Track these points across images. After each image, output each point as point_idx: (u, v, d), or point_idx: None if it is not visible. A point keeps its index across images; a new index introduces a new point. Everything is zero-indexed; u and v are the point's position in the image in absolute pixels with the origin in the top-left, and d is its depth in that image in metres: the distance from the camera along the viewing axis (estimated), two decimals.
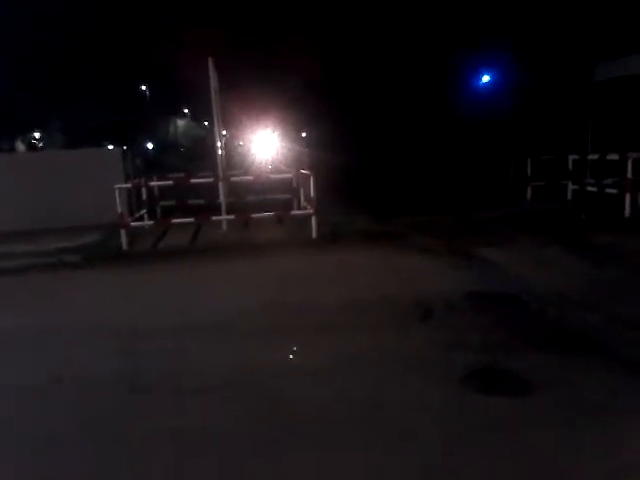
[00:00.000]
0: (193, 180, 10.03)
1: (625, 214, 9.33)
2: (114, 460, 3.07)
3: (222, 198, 9.60)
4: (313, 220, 8.91)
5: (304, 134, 25.20)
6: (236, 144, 34.12)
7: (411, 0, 15.68)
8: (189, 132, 51.94)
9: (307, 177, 9.42)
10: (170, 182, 10.54)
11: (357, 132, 16.24)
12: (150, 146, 43.49)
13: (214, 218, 9.44)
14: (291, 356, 4.34)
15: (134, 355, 4.50)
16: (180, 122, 54.09)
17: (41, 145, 39.76)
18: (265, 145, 24.73)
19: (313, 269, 7.03)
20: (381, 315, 5.09)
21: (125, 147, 13.94)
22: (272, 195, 11.57)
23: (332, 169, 13.45)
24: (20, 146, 37.09)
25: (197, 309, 5.57)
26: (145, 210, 10.62)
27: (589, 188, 10.75)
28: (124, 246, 8.61)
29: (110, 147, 19.59)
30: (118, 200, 8.70)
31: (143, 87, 44.52)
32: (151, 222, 9.94)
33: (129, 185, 10.34)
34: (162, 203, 11.37)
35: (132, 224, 9.22)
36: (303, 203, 10.60)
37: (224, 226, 9.60)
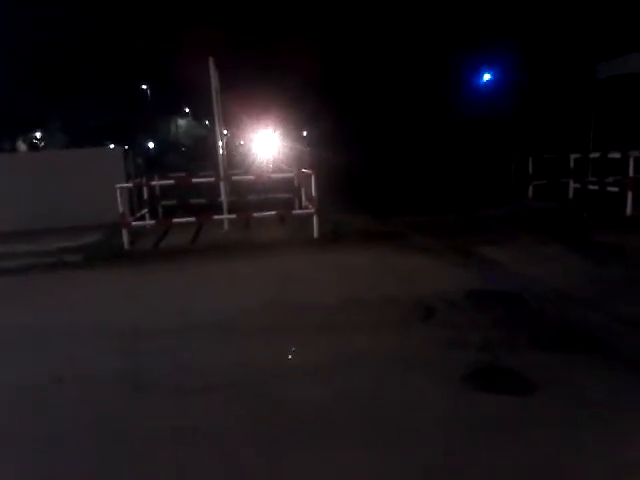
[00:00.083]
0: (194, 179, 10.04)
1: (627, 212, 9.31)
2: (116, 460, 3.07)
3: (223, 197, 9.61)
4: (314, 219, 8.91)
5: (305, 133, 25.20)
6: (237, 143, 34.12)
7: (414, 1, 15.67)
8: (190, 131, 51.96)
9: (308, 176, 9.42)
10: (171, 181, 10.54)
11: (358, 131, 16.23)
12: (151, 145, 43.54)
13: (215, 217, 9.45)
14: (292, 356, 4.34)
15: (136, 355, 4.50)
16: (181, 121, 54.12)
17: (42, 145, 39.80)
18: (266, 144, 24.73)
19: (314, 268, 7.03)
20: (382, 314, 5.09)
21: (126, 147, 13.94)
22: (273, 194, 11.57)
23: (333, 168, 13.45)
24: (21, 146, 37.14)
25: (199, 308, 5.57)
26: (146, 209, 10.63)
27: (591, 187, 10.73)
28: (126, 246, 8.62)
29: (111, 147, 19.61)
30: (119, 200, 8.70)
31: (144, 87, 44.55)
32: (152, 221, 9.95)
33: (130, 184, 10.34)
34: (163, 202, 11.38)
35: (133, 223, 9.23)
36: (304, 202, 10.60)
37: (226, 225, 9.60)
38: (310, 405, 3.51)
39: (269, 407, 3.51)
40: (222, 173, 9.77)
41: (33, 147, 37.55)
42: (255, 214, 9.47)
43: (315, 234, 8.90)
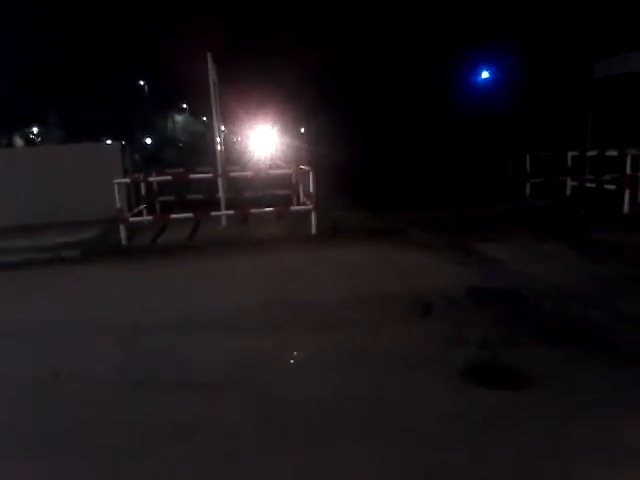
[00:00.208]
0: (192, 175, 10.01)
1: (624, 210, 9.34)
2: (116, 456, 3.06)
3: (221, 193, 9.58)
4: (313, 216, 8.90)
5: (303, 129, 25.16)
6: (235, 140, 34.05)
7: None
8: (187, 127, 51.82)
9: (306, 173, 9.40)
10: (169, 177, 10.51)
11: (356, 128, 16.21)
12: (148, 141, 43.41)
13: (213, 213, 9.42)
14: (292, 352, 4.33)
15: (135, 351, 4.50)
16: (178, 117, 53.95)
17: (39, 140, 39.64)
18: (264, 141, 24.69)
19: (313, 265, 7.03)
20: (381, 311, 5.08)
21: (124, 142, 13.89)
22: (271, 191, 11.55)
23: (331, 165, 13.44)
24: (18, 141, 37.00)
25: (197, 305, 5.56)
26: (144, 205, 10.59)
27: (588, 184, 10.75)
28: (123, 241, 8.59)
29: (108, 142, 19.55)
30: (117, 195, 8.68)
31: (141, 82, 44.38)
32: (150, 217, 9.92)
33: (128, 180, 10.31)
34: (161, 198, 11.35)
35: (131, 219, 9.20)
36: (302, 199, 10.58)
37: (223, 221, 9.58)
38: (310, 402, 3.50)
39: (269, 405, 3.50)
40: (220, 169, 9.75)
41: (30, 142, 37.41)
42: (253, 210, 9.45)
43: (313, 230, 8.89)
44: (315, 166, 9.42)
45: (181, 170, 11.60)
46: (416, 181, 12.53)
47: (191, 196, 11.27)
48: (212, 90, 9.61)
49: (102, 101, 36.53)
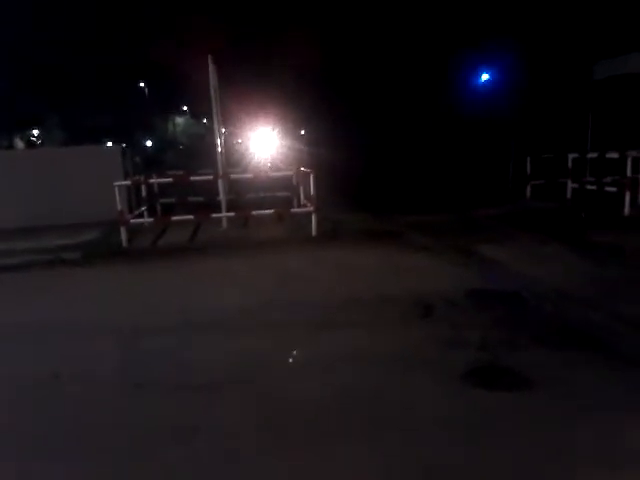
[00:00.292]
0: (192, 178, 10.02)
1: (625, 212, 9.33)
2: (116, 458, 3.06)
3: (222, 196, 9.59)
4: (313, 218, 8.90)
5: (303, 132, 25.18)
6: (235, 142, 34.09)
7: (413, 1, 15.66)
8: (188, 130, 51.89)
9: (307, 175, 9.41)
10: (170, 179, 10.52)
11: (357, 130, 16.23)
12: (149, 144, 43.45)
13: (214, 215, 9.42)
14: (292, 354, 4.33)
15: (135, 352, 4.50)
16: (179, 120, 54.02)
17: (40, 142, 39.69)
18: (265, 143, 24.72)
19: (313, 267, 7.02)
20: (382, 312, 5.08)
21: (124, 145, 13.91)
22: (272, 193, 11.56)
23: (332, 167, 13.44)
24: (19, 143, 37.06)
25: (198, 307, 5.56)
26: (145, 207, 10.60)
27: (588, 187, 10.74)
28: (124, 243, 8.60)
29: (109, 144, 19.57)
30: (118, 197, 8.69)
31: (142, 84, 44.45)
32: (151, 219, 9.93)
33: (129, 182, 10.32)
34: (162, 200, 11.36)
35: (132, 221, 9.21)
36: (303, 201, 10.59)
37: (224, 224, 9.58)
38: (310, 403, 3.50)
39: (270, 405, 3.50)
40: (220, 171, 9.76)
41: (30, 144, 37.46)
42: (254, 212, 9.46)
43: (314, 232, 8.89)
44: (315, 168, 9.42)
45: (182, 172, 11.62)
46: (416, 183, 12.55)
47: (192, 198, 11.28)
48: (212, 93, 9.63)
49: (103, 104, 36.57)
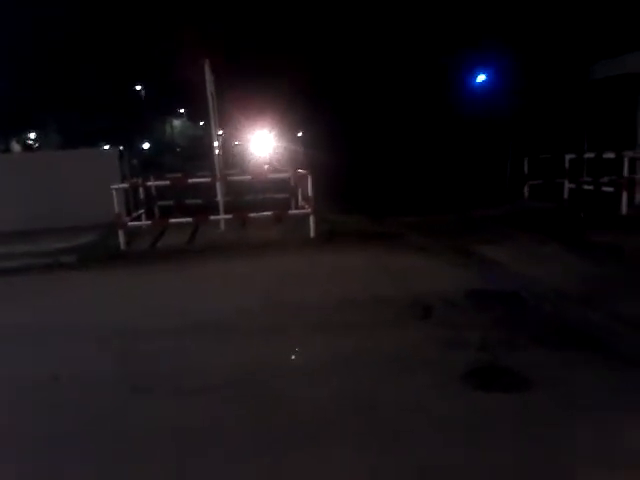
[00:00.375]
0: (190, 180, 10.00)
1: (622, 212, 9.36)
2: (115, 460, 3.05)
3: (220, 198, 9.58)
4: (311, 219, 8.90)
5: (301, 134, 25.18)
6: (233, 144, 34.08)
7: (409, 1, 15.69)
8: (185, 132, 51.91)
9: (304, 177, 9.41)
10: (167, 182, 10.51)
11: (354, 132, 16.23)
12: (146, 146, 43.42)
13: (212, 218, 9.41)
14: (290, 356, 4.32)
15: (134, 355, 4.48)
16: (176, 122, 54.03)
17: (37, 145, 39.63)
18: (262, 145, 24.73)
19: (311, 268, 7.02)
20: (380, 314, 5.08)
21: (122, 147, 13.89)
22: (270, 194, 11.57)
23: (329, 169, 13.43)
24: (15, 146, 37.00)
25: (196, 309, 5.55)
26: (143, 210, 10.59)
27: (586, 187, 10.77)
28: (122, 246, 8.59)
29: (106, 147, 19.56)
30: (115, 200, 8.68)
31: (139, 87, 44.45)
32: (149, 222, 9.91)
33: (126, 185, 10.31)
34: (160, 203, 11.35)
35: (130, 224, 9.20)
36: (301, 202, 10.59)
37: (222, 226, 9.58)
38: (308, 405, 3.50)
39: (267, 407, 3.50)
40: (218, 173, 9.75)
41: (27, 148, 37.39)
42: (251, 214, 9.45)
43: (312, 234, 8.89)
44: (313, 169, 9.43)
45: (179, 175, 11.62)
46: (414, 184, 12.55)
47: (190, 200, 11.27)
48: (209, 96, 9.63)
49: (100, 107, 36.54)
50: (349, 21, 16.70)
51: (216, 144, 9.99)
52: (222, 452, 3.04)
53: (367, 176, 13.93)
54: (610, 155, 10.00)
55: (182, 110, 53.28)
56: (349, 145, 16.00)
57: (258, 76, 24.00)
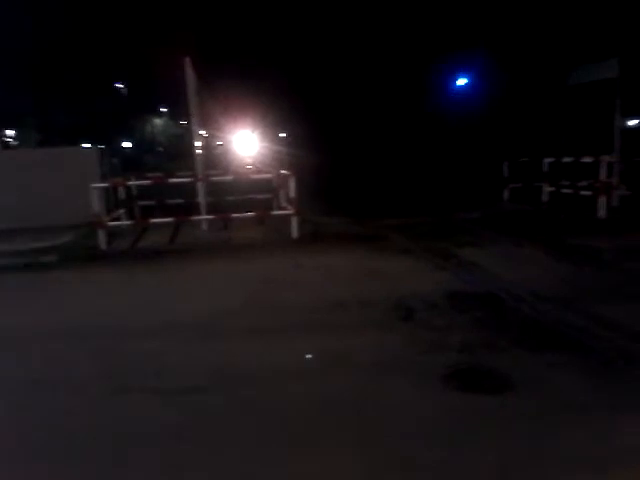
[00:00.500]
0: (171, 180, 9.92)
1: (599, 215, 9.53)
2: (100, 462, 3.02)
3: (201, 198, 9.52)
4: (294, 220, 8.90)
5: (284, 134, 25.17)
6: (216, 144, 33.91)
7: (388, 5, 15.78)
8: (167, 131, 51.52)
9: (287, 177, 9.40)
10: (148, 181, 10.41)
11: (337, 133, 16.29)
12: (127, 145, 42.96)
13: (194, 218, 9.36)
14: (271, 357, 4.31)
15: (117, 356, 4.43)
16: (158, 121, 53.57)
17: (16, 144, 38.93)
18: (245, 145, 24.65)
19: (294, 270, 7.02)
20: (362, 316, 5.10)
21: (102, 146, 13.72)
22: (252, 195, 11.53)
23: (312, 170, 13.46)
24: None
25: (178, 310, 5.51)
26: (123, 210, 10.48)
27: (564, 190, 10.95)
28: (102, 246, 8.49)
29: (86, 146, 19.29)
30: (95, 200, 8.57)
31: (120, 85, 43.98)
32: (129, 222, 9.81)
33: (106, 184, 10.18)
34: (141, 203, 11.24)
35: (110, 224, 9.09)
36: (283, 203, 10.57)
37: (204, 226, 9.52)
38: (293, 406, 3.50)
39: (253, 409, 3.50)
40: (200, 173, 9.69)
41: (5, 146, 36.70)
42: (234, 215, 9.41)
43: (294, 235, 8.89)
44: (296, 170, 9.42)
45: (160, 174, 11.51)
46: (397, 187, 12.63)
47: (172, 200, 11.18)
48: (190, 95, 9.56)
49: (80, 105, 36.06)
50: (332, 24, 16.74)
51: (198, 144, 9.92)
52: (208, 454, 3.03)
53: (350, 178, 13.98)
54: (588, 159, 10.18)
55: (164, 109, 52.87)
56: (332, 146, 16.04)
57: (241, 76, 23.91)
